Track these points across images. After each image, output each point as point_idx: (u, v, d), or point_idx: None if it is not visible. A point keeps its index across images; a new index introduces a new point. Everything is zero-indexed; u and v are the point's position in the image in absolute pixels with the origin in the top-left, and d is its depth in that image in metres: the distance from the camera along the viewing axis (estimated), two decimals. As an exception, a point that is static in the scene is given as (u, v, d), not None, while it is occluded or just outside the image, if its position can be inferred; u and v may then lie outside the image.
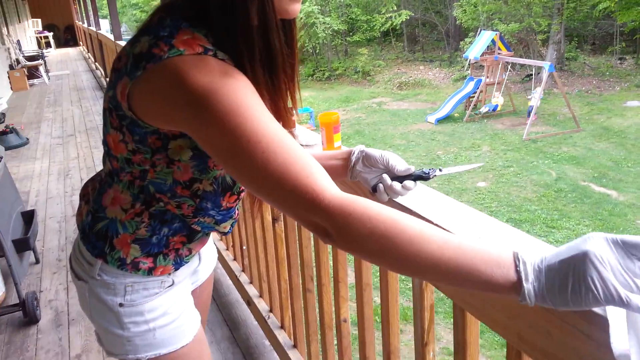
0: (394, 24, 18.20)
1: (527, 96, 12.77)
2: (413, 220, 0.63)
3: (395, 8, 18.06)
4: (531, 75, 13.68)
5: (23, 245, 2.67)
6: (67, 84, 10.36)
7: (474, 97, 12.43)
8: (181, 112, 0.71)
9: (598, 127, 11.13)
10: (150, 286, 0.94)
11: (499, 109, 12.16)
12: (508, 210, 7.56)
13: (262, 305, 2.11)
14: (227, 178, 0.90)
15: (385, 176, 0.90)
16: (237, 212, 0.99)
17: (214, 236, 1.06)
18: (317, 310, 1.58)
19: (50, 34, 19.02)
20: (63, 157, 5.19)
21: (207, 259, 1.13)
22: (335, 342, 1.49)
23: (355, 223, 0.63)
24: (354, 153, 0.94)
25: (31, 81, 10.64)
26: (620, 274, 0.51)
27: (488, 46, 12.32)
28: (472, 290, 0.62)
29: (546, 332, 0.68)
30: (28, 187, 4.38)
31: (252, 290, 2.22)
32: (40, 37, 18.59)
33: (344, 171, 0.95)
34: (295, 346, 1.85)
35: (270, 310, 2.04)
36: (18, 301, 2.41)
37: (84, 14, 14.05)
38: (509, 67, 13.09)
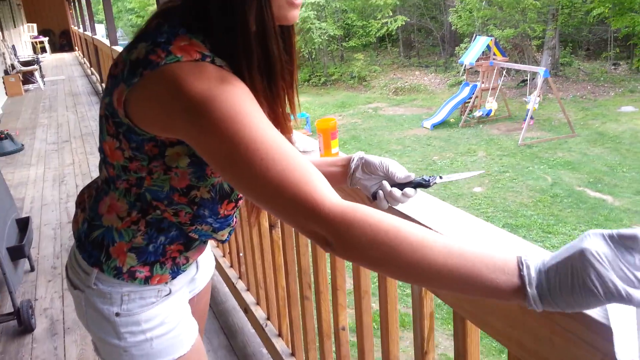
0: (390, 29, 18.27)
1: (522, 101, 12.84)
2: (415, 227, 0.63)
3: (391, 14, 18.14)
4: (526, 80, 13.75)
5: (18, 253, 2.64)
6: (63, 89, 10.33)
7: (469, 102, 12.48)
8: (178, 119, 0.70)
9: (593, 133, 11.19)
10: (147, 295, 0.92)
11: (492, 113, 12.21)
12: (504, 215, 7.57)
13: (260, 312, 2.09)
14: (225, 185, 0.89)
15: (385, 183, 0.90)
16: (235, 219, 0.98)
17: (210, 243, 1.05)
18: (315, 318, 1.57)
19: (45, 39, 19.01)
20: (58, 163, 5.17)
21: (204, 267, 1.11)
22: (334, 350, 1.48)
23: (355, 232, 0.62)
24: (353, 160, 0.93)
25: (26, 86, 10.61)
26: (620, 269, 0.50)
27: (483, 52, 12.39)
28: (477, 297, 0.62)
29: (548, 341, 0.67)
30: (23, 194, 4.35)
31: (249, 298, 2.20)
32: (36, 42, 18.56)
33: (343, 178, 0.95)
34: (293, 354, 1.84)
35: (268, 318, 2.02)
36: (12, 310, 2.38)
37: (79, 19, 14.05)
38: (504, 73, 13.15)
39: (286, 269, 1.74)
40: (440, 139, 11.54)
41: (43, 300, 2.67)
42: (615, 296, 0.50)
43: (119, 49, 6.28)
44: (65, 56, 18.19)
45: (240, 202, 0.95)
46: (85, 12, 11.11)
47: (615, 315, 0.58)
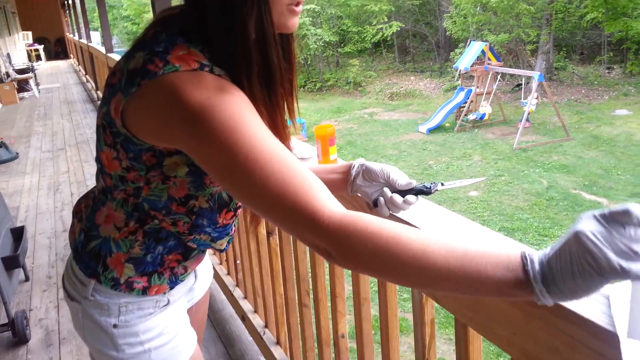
0: (385, 35, 18.34)
1: (517, 106, 12.89)
2: (416, 232, 0.62)
3: (386, 19, 18.22)
4: (521, 85, 13.81)
5: (12, 262, 2.62)
6: (58, 97, 10.31)
7: (464, 107, 12.52)
8: (177, 129, 0.69)
9: (587, 136, 11.24)
10: (145, 306, 0.91)
11: (486, 117, 12.25)
12: (500, 219, 7.57)
13: (257, 320, 2.08)
14: (224, 195, 0.88)
15: (386, 190, 0.89)
16: (233, 228, 0.97)
17: (207, 251, 1.04)
18: (314, 325, 1.55)
19: (40, 47, 18.99)
20: (53, 172, 5.14)
21: (203, 277, 1.10)
22: (333, 358, 1.46)
23: (356, 242, 0.62)
24: (354, 167, 0.92)
25: (21, 94, 10.58)
26: (615, 245, 0.50)
27: (478, 57, 12.44)
28: (484, 296, 0.62)
29: (553, 349, 0.66)
30: (18, 203, 4.32)
31: (246, 306, 2.18)
32: (31, 50, 18.54)
33: (343, 185, 0.94)
34: (291, 362, 1.82)
35: (266, 326, 2.00)
36: (7, 321, 2.35)
37: (74, 27, 14.05)
38: (499, 77, 13.21)
39: (284, 276, 1.73)
40: (436, 143, 11.56)
41: (38, 310, 2.64)
42: (612, 272, 0.50)
43: (115, 56, 6.28)
44: (61, 64, 18.16)
45: (239, 211, 0.94)
46: (81, 20, 11.11)
47: (621, 321, 0.57)
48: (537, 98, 11.62)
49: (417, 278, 0.61)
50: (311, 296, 1.57)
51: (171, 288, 0.94)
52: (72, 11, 14.70)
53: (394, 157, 10.86)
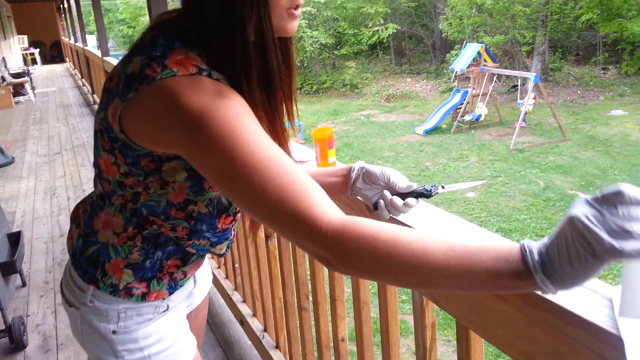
0: (381, 37, 18.37)
1: (513, 107, 12.92)
2: (415, 232, 0.62)
3: (382, 22, 18.25)
4: (517, 86, 13.85)
5: (9, 268, 2.60)
6: (54, 101, 10.27)
7: (461, 108, 12.55)
8: (175, 134, 0.69)
9: (584, 136, 11.27)
10: (144, 312, 0.90)
11: (482, 118, 12.27)
12: (497, 220, 7.58)
13: (256, 324, 2.07)
14: (223, 199, 0.87)
15: (386, 192, 0.89)
16: (233, 233, 0.96)
17: (206, 255, 1.03)
18: (314, 329, 1.55)
19: (36, 51, 18.93)
20: (49, 176, 5.12)
21: (202, 281, 1.10)
22: (333, 361, 1.46)
23: (354, 248, 0.61)
24: (354, 170, 0.92)
25: (17, 98, 10.54)
26: (609, 225, 0.50)
27: (474, 58, 12.46)
28: (487, 291, 0.62)
29: (555, 351, 0.66)
30: (14, 208, 4.30)
31: (245, 310, 2.17)
32: (26, 53, 18.49)
33: (343, 188, 0.93)
34: (291, 366, 1.81)
35: (265, 330, 2.00)
36: (4, 327, 2.33)
37: (70, 30, 14.01)
38: (495, 79, 13.24)
39: (283, 279, 1.72)
40: (433, 145, 11.57)
41: (35, 316, 2.63)
42: (606, 253, 0.49)
43: (111, 59, 6.26)
44: (56, 68, 18.11)
45: (239, 215, 0.94)
46: (77, 24, 11.08)
47: (626, 324, 0.57)
48: (534, 98, 11.66)
49: (418, 278, 0.60)
50: (310, 300, 1.56)
51: (170, 293, 0.93)
52: (67, 15, 14.67)
53: (391, 158, 10.86)
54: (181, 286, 0.95)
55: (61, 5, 16.57)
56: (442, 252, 0.58)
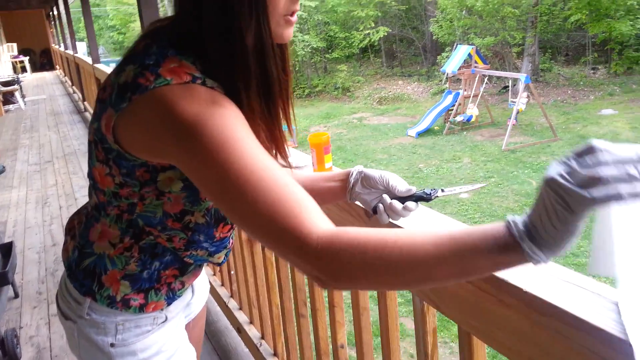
0: (372, 40, 18.42)
1: (504, 108, 12.98)
2: (401, 231, 0.61)
3: (373, 25, 18.30)
4: (508, 87, 13.93)
5: (1, 280, 2.56)
6: (44, 108, 10.21)
7: (452, 110, 12.60)
8: (169, 143, 0.68)
9: (575, 136, 11.34)
10: (142, 323, 0.89)
11: (473, 119, 12.33)
12: (491, 220, 7.60)
13: (253, 332, 2.05)
14: None
15: (385, 196, 0.88)
16: (231, 241, 0.95)
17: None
18: (312, 336, 1.53)
19: (26, 58, 18.80)
20: (41, 185, 5.07)
21: (200, 291, 1.08)
22: (333, 368, 1.44)
23: (344, 261, 0.60)
24: (352, 174, 0.91)
25: (6, 107, 10.46)
26: (579, 177, 0.50)
27: (465, 60, 12.53)
28: (481, 274, 0.61)
29: (561, 357, 0.65)
30: (5, 217, 4.25)
31: (242, 317, 2.15)
32: (16, 61, 18.35)
33: (342, 193, 0.93)
34: (289, 373, 1.79)
35: (262, 337, 1.98)
36: (-3, 338, 2.30)
37: (60, 38, 13.94)
38: (486, 80, 13.30)
39: (280, 286, 1.71)
40: (425, 146, 11.60)
41: (28, 327, 2.59)
42: (579, 204, 0.50)
43: (102, 67, 6.23)
44: (46, 75, 18.01)
45: None
46: (66, 31, 11.03)
47: (634, 329, 0.56)
48: (527, 97, 11.72)
49: (413, 274, 0.59)
50: (308, 306, 1.54)
51: (169, 304, 0.92)
52: (57, 22, 14.59)
53: (384, 161, 10.87)
54: (179, 296, 0.93)
55: (51, 13, 16.50)
56: (430, 243, 0.58)
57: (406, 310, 4.08)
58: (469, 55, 12.52)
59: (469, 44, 13.74)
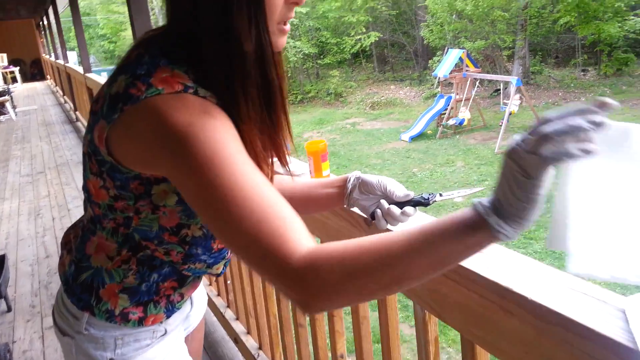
0: (364, 45, 18.50)
1: (496, 111, 13.05)
2: (376, 236, 0.61)
3: (364, 30, 18.38)
4: (499, 90, 14.01)
5: (-6, 293, 2.53)
6: (35, 119, 10.14)
7: (445, 113, 12.65)
8: (160, 154, 0.67)
9: (567, 138, 11.40)
10: (141, 337, 0.87)
11: (465, 123, 12.38)
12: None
13: (251, 342, 2.02)
14: None
15: (383, 202, 0.87)
16: (229, 251, 0.93)
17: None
18: (311, 345, 1.51)
19: (16, 69, 18.71)
20: (33, 196, 5.03)
21: (198, 303, 1.07)
22: (333, 379, 1.42)
23: (325, 278, 0.59)
24: (349, 180, 0.91)
25: (-3, 118, 10.39)
26: (529, 141, 0.53)
27: (456, 64, 12.60)
28: (459, 260, 0.60)
29: (568, 367, 0.64)
30: (-3, 229, 4.21)
31: (239, 327, 2.13)
32: (6, 72, 18.23)
33: (339, 199, 0.92)
34: (288, 384, 1.77)
35: (260, 348, 1.95)
36: (-11, 354, 2.27)
37: (50, 47, 13.88)
38: (477, 83, 13.37)
39: (277, 295, 1.69)
40: (419, 151, 11.63)
41: (22, 342, 2.55)
42: (532, 166, 0.52)
43: (93, 76, 6.20)
44: (37, 85, 17.93)
45: None
46: (57, 40, 10.98)
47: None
48: (520, 99, 11.77)
49: (391, 274, 0.59)
50: (307, 316, 1.53)
51: (168, 317, 0.90)
52: (47, 32, 14.53)
53: (378, 166, 10.88)
54: (178, 309, 0.92)
55: (41, 22, 16.43)
56: (403, 239, 0.59)
57: (402, 315, 4.06)
58: (460, 59, 12.59)
59: (460, 48, 13.82)
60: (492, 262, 0.79)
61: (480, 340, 0.82)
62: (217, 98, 0.72)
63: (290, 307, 1.62)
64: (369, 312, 1.21)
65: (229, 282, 2.19)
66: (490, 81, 15.13)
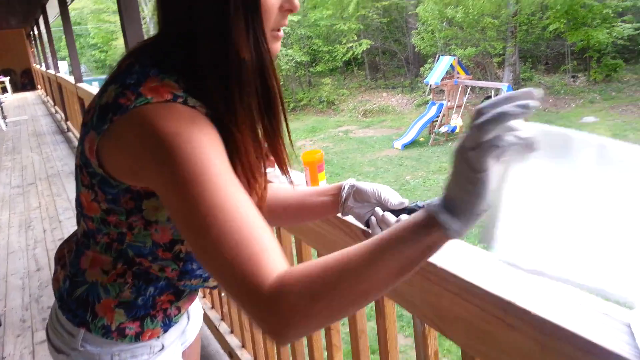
0: (355, 53, 18.60)
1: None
2: (339, 252, 0.61)
3: (356, 38, 18.50)
4: (490, 97, 14.11)
5: (-17, 307, 2.48)
6: (26, 129, 10.07)
7: (437, 121, 12.72)
8: (147, 164, 0.66)
9: (558, 144, 11.49)
10: (138, 353, 0.86)
11: (457, 130, 12.46)
12: (478, 229, 7.63)
13: (246, 356, 2.00)
14: None
15: (378, 209, 0.87)
16: None
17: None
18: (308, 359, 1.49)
19: (6, 79, 18.62)
20: (24, 208, 4.97)
21: (195, 317, 1.05)
22: (330, 393, 1.40)
23: (293, 309, 0.58)
24: (344, 188, 0.90)
25: (-13, 129, 10.31)
26: (469, 133, 0.54)
27: (447, 71, 12.70)
28: (420, 259, 0.60)
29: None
30: (-13, 242, 4.15)
31: (233, 341, 2.10)
32: (-4, 82, 18.17)
33: (334, 207, 0.91)
34: (285, 398, 1.75)
35: (256, 361, 1.93)
36: (-21, 370, 2.23)
37: (41, 57, 13.83)
38: (469, 90, 13.47)
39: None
40: (412, 158, 11.67)
41: (11, 358, 2.50)
42: (472, 156, 0.53)
43: (84, 86, 6.17)
44: (28, 95, 17.84)
45: None
46: (48, 50, 10.94)
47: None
48: None
49: (358, 288, 0.59)
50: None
51: (165, 331, 0.89)
52: (38, 41, 14.48)
53: (371, 174, 10.91)
54: (175, 322, 0.90)
55: (31, 32, 16.39)
56: (362, 252, 0.59)
57: (398, 325, 4.04)
58: (451, 66, 12.69)
59: (451, 55, 13.93)
60: (494, 275, 0.78)
61: (482, 356, 0.80)
62: (209, 107, 0.71)
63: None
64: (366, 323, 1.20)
65: (223, 294, 2.16)
66: (481, 88, 15.25)
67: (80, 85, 6.30)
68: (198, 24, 0.69)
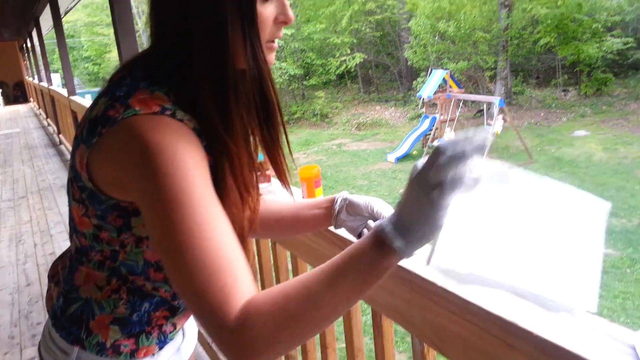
0: (349, 66, 18.72)
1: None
2: (298, 277, 0.63)
3: (349, 51, 18.63)
4: (482, 110, 14.22)
5: (-29, 324, 2.43)
6: (18, 142, 10.01)
7: (430, 134, 12.78)
8: (132, 176, 0.65)
9: (550, 158, 11.57)
10: None
11: (450, 144, 12.53)
12: (475, 243, 7.64)
13: (241, 372, 1.96)
14: None
15: (371, 222, 0.87)
16: None
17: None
18: (304, 377, 1.47)
19: (-2, 92, 18.56)
20: (15, 222, 4.91)
21: (190, 334, 1.03)
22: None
23: (258, 332, 0.58)
24: (337, 201, 0.90)
25: (-22, 141, 10.24)
26: (425, 162, 0.57)
27: (440, 85, 12.79)
28: (375, 278, 0.61)
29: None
30: (-24, 257, 4.09)
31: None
32: (-12, 95, 18.09)
33: (326, 220, 0.91)
34: (279, 416, 1.71)
35: (250, 378, 1.89)
36: (-34, 389, 2.17)
37: (34, 70, 13.80)
38: (461, 104, 13.57)
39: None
40: (405, 171, 11.70)
41: (0, 375, 2.46)
42: (422, 179, 0.56)
43: (77, 99, 6.14)
44: (20, 108, 17.77)
45: None
46: (41, 63, 10.91)
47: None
48: (504, 119, 11.95)
49: (318, 312, 0.60)
50: (299, 348, 1.48)
51: (160, 348, 0.87)
52: (31, 54, 14.46)
53: (365, 187, 10.91)
54: (171, 339, 0.89)
55: (24, 45, 16.36)
56: (320, 277, 0.61)
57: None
58: (444, 79, 12.78)
59: (444, 69, 14.05)
60: (495, 294, 0.76)
61: (483, 375, 0.79)
62: (203, 119, 0.71)
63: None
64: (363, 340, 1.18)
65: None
66: (473, 102, 15.37)
67: (73, 98, 6.27)
68: (194, 35, 0.69)
